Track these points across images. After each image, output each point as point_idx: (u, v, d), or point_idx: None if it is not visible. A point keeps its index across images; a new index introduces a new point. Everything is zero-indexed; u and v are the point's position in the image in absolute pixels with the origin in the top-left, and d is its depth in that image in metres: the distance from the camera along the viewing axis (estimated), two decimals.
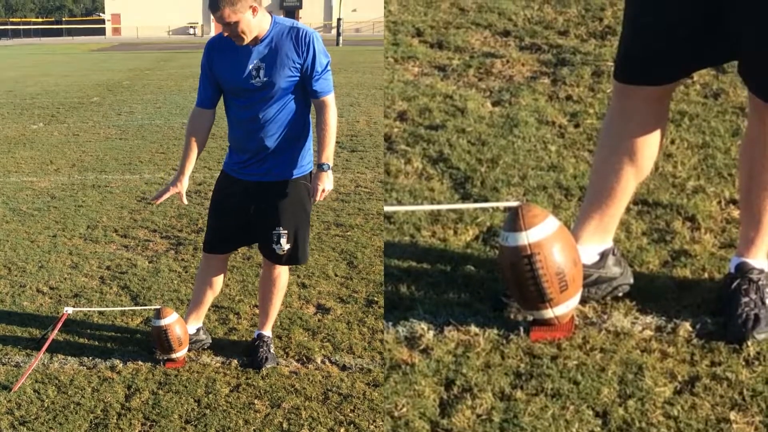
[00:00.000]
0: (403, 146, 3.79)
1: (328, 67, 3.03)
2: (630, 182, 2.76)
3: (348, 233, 5.04)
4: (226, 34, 2.95)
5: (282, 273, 3.29)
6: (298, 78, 2.98)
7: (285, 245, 3.13)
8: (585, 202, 2.85)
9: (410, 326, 2.68)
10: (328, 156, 3.00)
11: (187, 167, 3.16)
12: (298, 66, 2.96)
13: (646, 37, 2.59)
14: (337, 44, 35.35)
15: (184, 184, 3.16)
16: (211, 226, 3.30)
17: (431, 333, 2.65)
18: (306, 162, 3.12)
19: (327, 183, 3.00)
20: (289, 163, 3.09)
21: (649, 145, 2.72)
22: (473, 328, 2.65)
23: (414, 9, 5.27)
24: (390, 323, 2.71)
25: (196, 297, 3.40)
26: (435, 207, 3.26)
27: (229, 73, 3.02)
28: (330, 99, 3.04)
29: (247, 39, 2.93)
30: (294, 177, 3.10)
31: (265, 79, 2.96)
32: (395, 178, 3.54)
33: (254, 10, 2.88)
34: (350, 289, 4.07)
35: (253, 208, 3.14)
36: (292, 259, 3.22)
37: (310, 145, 3.13)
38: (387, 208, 3.13)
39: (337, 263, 4.47)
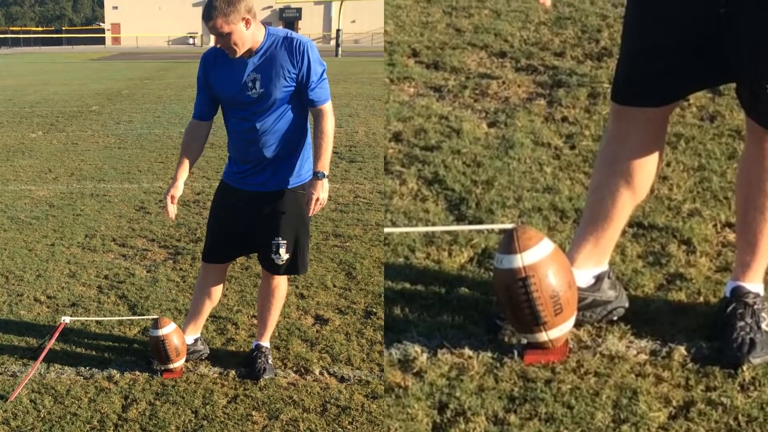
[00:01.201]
0: (398, 167, 3.79)
1: (324, 76, 3.02)
2: (626, 205, 2.74)
3: (347, 244, 5.03)
4: (218, 46, 2.95)
5: (281, 283, 3.28)
6: (294, 88, 2.98)
7: (284, 255, 3.13)
8: (581, 224, 2.83)
9: (404, 349, 2.67)
10: (325, 164, 2.99)
11: (181, 175, 3.13)
12: (294, 76, 2.96)
13: (643, 58, 2.59)
14: (336, 55, 35.41)
15: (179, 189, 3.13)
16: (210, 236, 3.29)
17: (425, 356, 2.63)
18: (305, 171, 3.11)
19: (322, 192, 2.99)
20: (287, 172, 3.08)
21: (646, 168, 2.71)
22: (467, 351, 2.63)
23: (410, 29, 5.28)
24: (384, 345, 2.70)
25: (195, 307, 3.39)
26: (430, 229, 3.26)
27: (225, 85, 3.02)
28: (327, 107, 3.03)
29: (240, 51, 2.93)
30: (293, 186, 3.10)
31: (261, 90, 2.95)
32: (390, 199, 3.54)
33: (247, 22, 2.87)
34: (349, 300, 4.06)
35: (252, 218, 3.13)
36: (291, 269, 3.21)
37: (309, 154, 3.12)
38: (386, 230, 3.13)
39: (336, 274, 4.46)
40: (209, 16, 2.85)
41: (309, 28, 66.47)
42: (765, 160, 2.57)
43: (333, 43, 42.72)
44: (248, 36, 2.90)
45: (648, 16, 2.58)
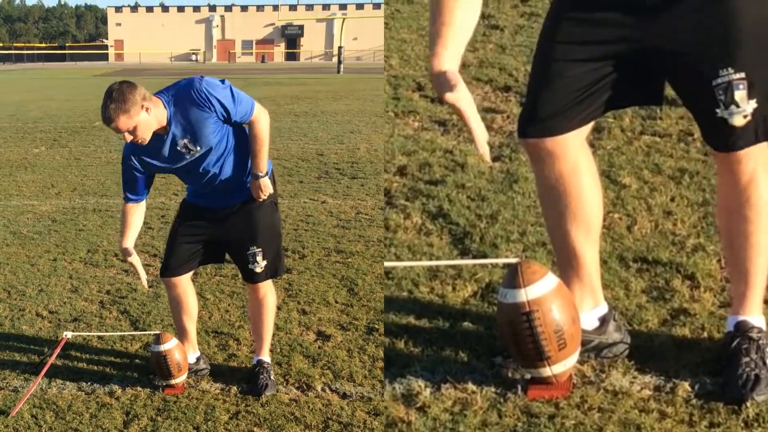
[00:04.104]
0: (403, 201, 3.80)
1: (234, 93, 2.97)
2: (584, 242, 2.69)
3: (348, 260, 5.03)
4: (129, 140, 2.92)
5: (268, 293, 3.30)
6: (221, 124, 2.99)
7: (262, 262, 3.19)
8: (559, 270, 2.79)
9: (407, 383, 2.66)
10: (259, 165, 3.06)
11: (128, 239, 3.30)
12: (214, 117, 2.95)
13: (541, 90, 2.60)
14: (338, 72, 35.55)
15: (133, 255, 3.31)
16: (169, 250, 3.30)
17: (428, 390, 2.62)
18: None
19: (265, 188, 3.09)
20: (247, 186, 3.15)
21: (586, 200, 2.66)
22: (470, 386, 2.62)
23: (415, 63, 5.30)
24: (387, 380, 2.70)
25: (177, 326, 3.42)
26: (434, 263, 3.26)
27: (163, 165, 3.07)
28: (255, 116, 3.02)
29: (149, 137, 2.92)
30: None
31: (198, 148, 3.00)
32: (394, 233, 3.54)
33: (147, 109, 2.85)
34: (351, 316, 4.06)
35: (223, 231, 3.20)
36: (271, 273, 3.26)
37: None
38: (387, 264, 3.13)
39: (338, 290, 4.45)
40: (110, 118, 2.81)
41: (311, 45, 66.79)
42: (739, 185, 2.53)
43: (335, 60, 42.90)
44: (152, 120, 2.89)
45: (552, 46, 2.58)
